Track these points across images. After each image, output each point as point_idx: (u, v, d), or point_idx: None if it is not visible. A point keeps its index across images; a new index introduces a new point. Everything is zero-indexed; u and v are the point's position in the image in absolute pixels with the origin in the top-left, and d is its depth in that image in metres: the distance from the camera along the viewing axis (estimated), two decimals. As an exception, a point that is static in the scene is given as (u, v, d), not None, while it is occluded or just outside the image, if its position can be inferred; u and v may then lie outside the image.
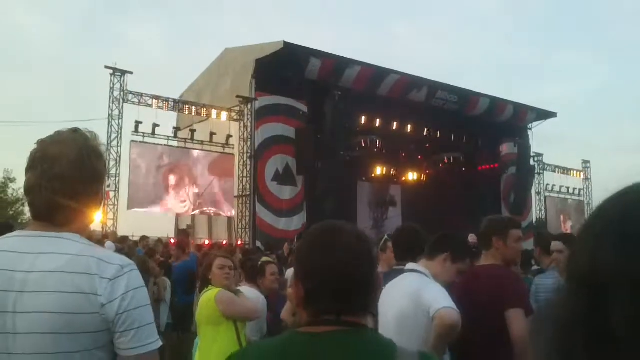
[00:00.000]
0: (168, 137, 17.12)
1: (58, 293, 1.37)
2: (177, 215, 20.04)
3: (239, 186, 17.93)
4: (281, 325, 4.45)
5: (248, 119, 17.85)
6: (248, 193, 17.70)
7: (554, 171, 27.01)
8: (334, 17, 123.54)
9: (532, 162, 24.84)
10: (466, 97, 21.81)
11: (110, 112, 16.03)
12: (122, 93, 16.14)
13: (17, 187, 26.88)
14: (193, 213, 18.37)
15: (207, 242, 16.51)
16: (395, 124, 20.72)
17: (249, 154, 17.86)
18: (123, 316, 1.40)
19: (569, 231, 21.87)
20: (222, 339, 3.81)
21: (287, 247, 10.15)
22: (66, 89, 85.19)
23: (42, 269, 1.39)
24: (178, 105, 17.43)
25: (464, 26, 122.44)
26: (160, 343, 1.48)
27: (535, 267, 6.49)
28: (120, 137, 16.13)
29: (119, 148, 16.04)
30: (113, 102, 16.08)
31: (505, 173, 24.32)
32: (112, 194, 15.47)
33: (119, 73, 16.17)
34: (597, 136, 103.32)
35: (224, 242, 15.88)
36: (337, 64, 18.59)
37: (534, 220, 25.52)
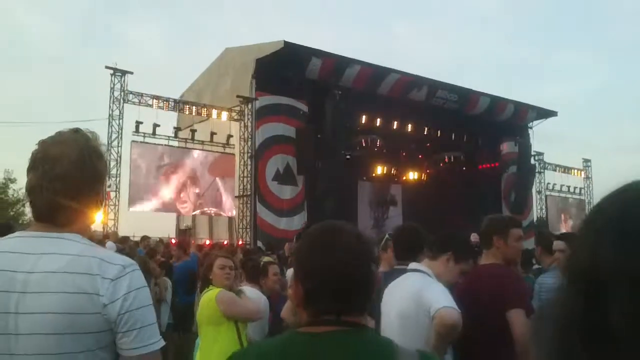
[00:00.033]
0: (168, 137, 17.13)
1: (60, 293, 1.37)
2: (178, 216, 20.06)
3: (239, 186, 17.93)
4: (281, 325, 4.45)
5: (248, 119, 17.84)
6: (249, 193, 17.70)
7: (555, 170, 27.00)
8: (334, 16, 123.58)
9: (532, 161, 24.82)
10: (466, 96, 21.80)
11: (110, 112, 16.02)
12: (122, 93, 16.14)
13: (18, 187, 26.91)
14: (194, 213, 18.37)
15: (207, 242, 16.52)
16: (395, 123, 20.71)
17: (249, 154, 17.86)
18: (125, 316, 1.40)
19: (569, 230, 21.84)
20: (222, 339, 3.81)
21: (288, 247, 10.14)
22: (66, 89, 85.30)
23: (44, 269, 1.39)
24: (178, 105, 17.43)
25: (464, 26, 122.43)
26: (162, 343, 1.48)
27: (536, 266, 6.48)
28: (121, 138, 16.14)
29: (119, 148, 16.04)
30: (113, 102, 16.08)
31: (505, 172, 24.30)
32: (112, 194, 15.47)
33: (119, 73, 16.16)
34: (597, 135, 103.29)
35: (225, 242, 15.88)
36: (337, 64, 18.59)
37: (535, 219, 25.51)
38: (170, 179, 16.90)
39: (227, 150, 17.97)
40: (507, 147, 24.02)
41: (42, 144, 1.51)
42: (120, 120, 16.12)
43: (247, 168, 17.83)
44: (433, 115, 20.99)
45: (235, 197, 17.95)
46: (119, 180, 15.96)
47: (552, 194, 26.73)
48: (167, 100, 17.04)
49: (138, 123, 16.17)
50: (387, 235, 4.36)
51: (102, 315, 1.39)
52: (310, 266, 1.26)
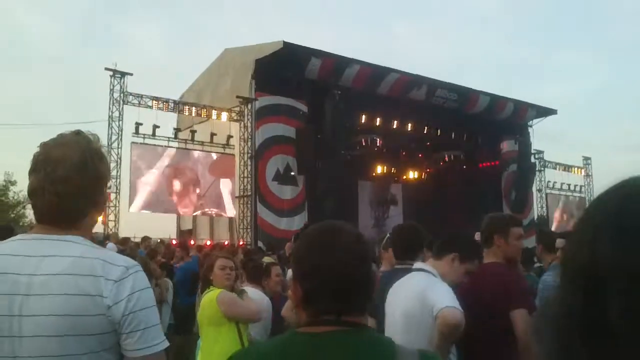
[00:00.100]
0: (168, 138, 17.13)
1: (63, 295, 1.37)
2: (179, 216, 20.06)
3: (240, 186, 17.92)
4: (282, 324, 4.45)
5: (248, 119, 17.84)
6: (249, 193, 17.70)
7: (555, 168, 27.00)
8: (334, 16, 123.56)
9: (532, 160, 24.82)
10: (466, 95, 21.79)
11: (110, 113, 16.03)
12: (122, 95, 16.14)
13: (18, 189, 26.92)
14: (194, 214, 18.38)
15: (208, 242, 16.52)
16: (395, 122, 20.70)
17: (249, 154, 17.86)
18: (129, 317, 1.41)
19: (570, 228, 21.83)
20: (223, 339, 3.81)
21: (289, 247, 10.15)
22: (66, 91, 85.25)
23: (47, 271, 1.40)
24: (178, 106, 17.43)
25: (464, 25, 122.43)
26: (166, 344, 1.49)
27: (537, 265, 6.48)
28: (121, 139, 16.15)
29: (119, 150, 16.04)
30: (113, 103, 16.08)
31: (506, 170, 24.29)
32: (113, 196, 15.48)
33: (118, 75, 16.17)
34: (597, 133, 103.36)
35: (226, 243, 15.88)
36: (336, 64, 18.58)
37: (535, 217, 25.50)
38: (170, 180, 16.91)
39: (227, 150, 17.97)
40: (507, 145, 24.02)
41: (44, 146, 1.51)
42: (120, 122, 16.13)
43: (247, 168, 17.82)
44: (433, 114, 20.98)
45: (236, 197, 17.94)
46: (119, 182, 15.97)
47: (553, 192, 26.73)
48: (166, 101, 17.04)
49: (138, 124, 16.18)
50: (388, 235, 4.35)
51: (106, 316, 1.39)
52: (309, 266, 1.26)
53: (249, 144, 17.88)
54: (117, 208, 15.76)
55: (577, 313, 0.58)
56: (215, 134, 17.55)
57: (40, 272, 1.39)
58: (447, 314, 2.52)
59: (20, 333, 1.36)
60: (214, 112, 17.55)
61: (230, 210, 18.02)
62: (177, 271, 8.37)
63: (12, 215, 26.37)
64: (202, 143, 17.64)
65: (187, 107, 17.45)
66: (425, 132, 21.99)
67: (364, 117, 20.02)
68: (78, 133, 1.56)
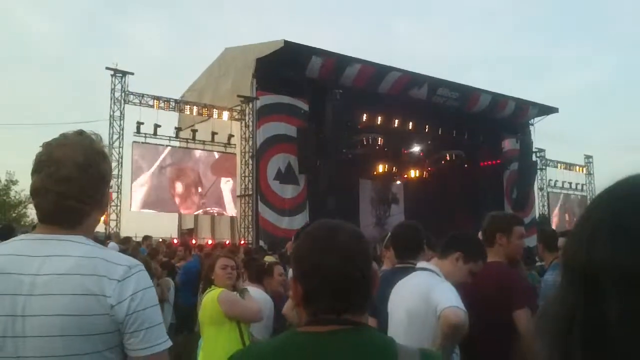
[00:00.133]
0: (170, 137, 17.14)
1: (67, 295, 1.37)
2: (180, 216, 20.08)
3: (241, 185, 17.93)
4: (284, 323, 4.44)
5: (249, 118, 17.84)
6: (250, 192, 17.70)
7: (556, 167, 26.97)
8: (334, 15, 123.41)
9: (534, 158, 24.79)
10: (467, 93, 21.76)
11: (111, 113, 16.04)
12: (123, 94, 16.14)
13: (20, 189, 26.96)
14: (196, 213, 18.39)
15: (210, 241, 16.53)
16: (396, 121, 20.68)
17: (250, 154, 17.86)
18: (132, 317, 1.41)
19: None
20: (225, 339, 3.81)
21: (289, 246, 10.15)
22: (67, 90, 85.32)
23: (50, 271, 1.40)
24: (179, 105, 17.43)
25: (465, 23, 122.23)
26: (170, 343, 1.49)
27: (538, 264, 6.48)
28: (122, 138, 16.16)
29: (120, 149, 16.07)
30: (114, 103, 16.09)
31: (507, 169, 24.28)
32: (114, 195, 15.49)
33: (119, 74, 16.17)
34: (599, 132, 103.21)
35: (227, 242, 15.89)
36: (337, 62, 18.56)
37: (537, 216, 25.48)
38: (171, 179, 16.92)
39: (229, 150, 17.98)
40: (508, 144, 24.00)
41: (47, 146, 1.51)
42: (121, 121, 16.14)
43: (248, 167, 17.83)
44: (434, 113, 20.96)
45: (237, 196, 17.95)
46: (121, 181, 15.99)
47: (554, 190, 26.70)
48: (167, 100, 17.04)
49: (139, 124, 16.19)
50: (389, 234, 4.35)
51: (109, 316, 1.39)
52: (309, 265, 1.26)
53: (250, 143, 17.88)
54: (119, 207, 15.78)
55: (577, 312, 0.58)
56: (217, 133, 17.56)
57: (44, 272, 1.40)
58: (450, 313, 2.51)
59: (23, 333, 1.36)
60: (215, 111, 17.55)
61: (232, 210, 18.03)
62: (182, 270, 8.40)
63: (14, 215, 26.42)
64: (203, 142, 17.64)
65: (188, 106, 17.45)
66: (426, 130, 21.98)
67: (365, 115, 20.01)
68: (81, 133, 1.56)
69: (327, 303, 1.22)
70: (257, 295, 4.32)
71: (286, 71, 17.14)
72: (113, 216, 15.53)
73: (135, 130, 16.20)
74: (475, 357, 2.91)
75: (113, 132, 15.98)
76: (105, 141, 1.69)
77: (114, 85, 16.11)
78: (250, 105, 17.77)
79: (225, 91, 18.94)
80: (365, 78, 19.07)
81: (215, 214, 18.47)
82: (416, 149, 24.10)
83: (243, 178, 17.89)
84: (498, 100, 22.73)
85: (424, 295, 2.70)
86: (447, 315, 2.51)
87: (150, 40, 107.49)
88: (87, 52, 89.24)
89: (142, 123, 16.22)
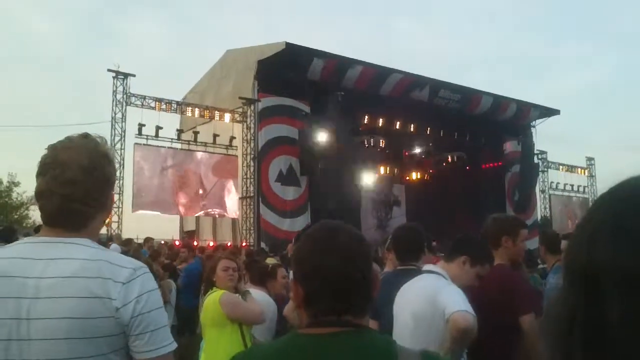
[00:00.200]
0: (171, 139, 17.14)
1: (71, 298, 1.37)
2: (182, 217, 20.08)
3: (242, 187, 17.93)
4: (286, 325, 4.44)
5: (251, 120, 17.86)
6: (252, 194, 17.71)
7: (558, 169, 26.94)
8: (336, 17, 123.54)
9: (536, 160, 24.77)
10: (468, 95, 21.76)
11: (113, 114, 16.06)
12: (125, 96, 16.17)
13: (22, 190, 26.99)
14: (197, 215, 18.39)
15: (211, 243, 16.53)
16: (398, 123, 20.69)
17: (252, 155, 17.87)
18: (138, 319, 1.41)
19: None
20: (226, 341, 3.81)
21: (290, 248, 10.15)
22: (69, 92, 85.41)
23: (55, 274, 1.40)
24: (181, 107, 17.45)
25: (465, 24, 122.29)
26: (175, 345, 1.50)
27: (541, 266, 6.48)
28: (124, 140, 16.17)
29: (122, 151, 16.06)
30: (116, 105, 16.11)
31: (509, 171, 24.27)
32: (116, 197, 15.46)
33: (121, 76, 16.19)
34: (601, 135, 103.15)
35: (229, 244, 15.89)
36: (339, 64, 18.56)
37: (539, 218, 25.45)
38: (173, 181, 16.92)
39: (230, 151, 17.98)
40: (510, 146, 23.99)
41: (52, 149, 1.52)
42: (123, 123, 16.15)
43: (250, 169, 17.83)
44: (435, 115, 20.94)
45: (239, 198, 17.95)
46: (123, 183, 15.99)
47: (556, 192, 26.66)
48: (169, 102, 17.07)
49: (141, 125, 16.19)
50: (391, 236, 4.34)
51: (114, 318, 1.39)
52: (309, 267, 1.26)
53: (252, 145, 17.89)
54: (120, 209, 15.79)
55: (579, 313, 0.58)
56: (218, 135, 17.55)
57: (48, 275, 1.40)
58: (458, 317, 2.49)
59: (28, 336, 1.36)
60: (216, 113, 17.56)
61: (233, 212, 18.04)
62: (184, 272, 8.41)
63: (16, 217, 26.44)
64: (205, 144, 17.65)
65: (189, 108, 17.46)
66: (428, 132, 21.97)
67: (366, 117, 20.02)
68: (86, 136, 1.57)
69: (328, 304, 1.22)
70: (259, 297, 4.32)
71: (288, 73, 17.13)
72: (114, 218, 15.53)
73: (137, 132, 16.20)
74: (479, 357, 2.90)
75: (115, 133, 15.99)
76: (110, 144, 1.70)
77: (116, 87, 16.13)
78: (252, 107, 17.78)
79: (226, 93, 18.96)
80: (367, 80, 19.07)
81: (217, 216, 18.47)
82: (418, 151, 24.11)
83: (245, 180, 17.89)
84: (500, 102, 22.73)
85: (430, 298, 2.69)
86: (456, 319, 2.49)
87: (152, 42, 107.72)
88: (88, 52, 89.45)
89: (144, 125, 16.22)
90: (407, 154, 24.23)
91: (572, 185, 27.37)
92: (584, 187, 28.12)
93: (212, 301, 3.89)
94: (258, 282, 4.82)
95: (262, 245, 15.00)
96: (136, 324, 1.41)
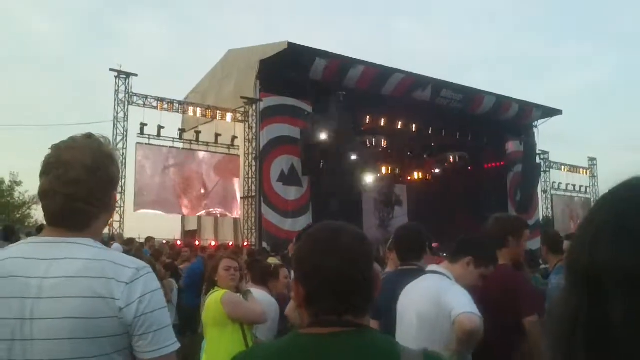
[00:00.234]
0: (173, 138, 17.17)
1: (75, 298, 1.37)
2: (183, 217, 20.09)
3: (244, 187, 17.94)
4: (286, 324, 4.44)
5: (253, 120, 17.87)
6: (254, 194, 17.72)
7: (560, 169, 26.92)
8: (338, 17, 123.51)
9: (538, 160, 24.76)
10: (471, 95, 21.76)
11: (115, 114, 16.11)
12: (127, 95, 16.20)
13: (24, 190, 27.05)
14: (199, 214, 18.41)
15: (213, 243, 16.54)
16: (399, 123, 20.69)
17: (254, 155, 17.88)
18: (141, 319, 1.41)
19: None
20: (228, 340, 3.81)
21: (291, 248, 10.15)
22: (71, 91, 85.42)
23: (58, 274, 1.40)
24: (183, 107, 17.48)
25: (465, 24, 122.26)
26: (178, 345, 1.50)
27: (543, 266, 6.47)
28: (126, 140, 16.22)
29: (124, 150, 16.09)
30: (118, 104, 16.15)
31: (511, 171, 24.25)
32: (118, 196, 15.42)
33: (123, 75, 16.24)
34: (603, 135, 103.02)
35: (230, 244, 15.90)
36: (341, 64, 18.57)
37: (541, 218, 25.43)
38: (175, 180, 16.94)
39: (232, 151, 18.00)
40: (512, 146, 23.97)
41: (56, 148, 1.52)
42: (125, 123, 16.20)
43: (251, 169, 17.85)
44: (437, 115, 20.94)
45: (241, 198, 17.97)
46: (125, 182, 15.98)
47: (558, 193, 26.64)
48: (171, 102, 17.10)
49: (143, 125, 16.24)
50: (392, 236, 4.34)
51: (118, 318, 1.39)
52: (310, 267, 1.26)
53: (254, 144, 17.90)
54: (122, 208, 15.80)
55: (581, 314, 0.58)
56: (220, 135, 17.57)
57: (52, 275, 1.40)
58: (465, 319, 2.48)
59: (32, 336, 1.36)
60: (218, 113, 17.59)
61: (235, 211, 18.04)
62: (187, 272, 8.42)
63: (18, 216, 26.50)
64: (206, 144, 17.67)
65: (191, 107, 17.49)
66: (430, 132, 21.96)
67: (368, 117, 20.02)
68: (89, 136, 1.57)
69: (329, 304, 1.22)
70: (261, 297, 4.31)
71: (289, 73, 17.15)
72: (116, 217, 15.55)
73: (139, 132, 16.25)
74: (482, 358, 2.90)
75: (117, 133, 16.05)
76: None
77: (118, 86, 16.18)
78: (254, 106, 17.80)
79: (228, 93, 18.98)
80: (369, 80, 19.07)
81: (219, 216, 18.49)
82: (419, 150, 24.09)
83: (246, 179, 17.90)
84: (502, 102, 22.72)
85: (434, 298, 2.68)
86: (462, 321, 2.48)
87: (154, 42, 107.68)
88: (88, 52, 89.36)
89: (146, 124, 16.29)
90: (409, 153, 24.22)
91: (574, 186, 27.35)
92: (586, 187, 28.10)
93: (214, 301, 3.89)
94: (260, 281, 4.82)
95: (264, 245, 15.00)
96: (139, 324, 1.41)
